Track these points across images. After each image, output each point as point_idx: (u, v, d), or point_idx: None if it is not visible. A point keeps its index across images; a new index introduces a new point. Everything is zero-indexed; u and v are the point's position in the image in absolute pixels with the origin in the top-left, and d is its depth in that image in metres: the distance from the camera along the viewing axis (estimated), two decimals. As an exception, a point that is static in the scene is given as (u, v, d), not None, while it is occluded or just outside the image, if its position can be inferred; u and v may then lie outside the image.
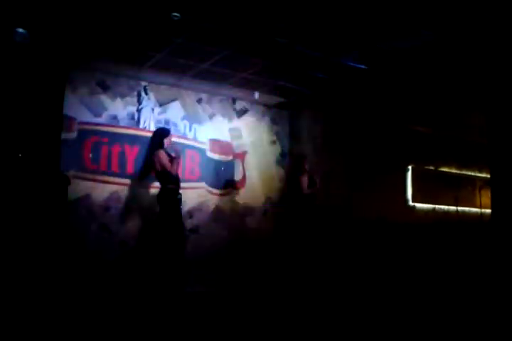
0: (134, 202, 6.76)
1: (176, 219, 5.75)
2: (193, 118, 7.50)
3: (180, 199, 5.85)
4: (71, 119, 6.38)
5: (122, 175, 6.72)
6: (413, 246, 7.02)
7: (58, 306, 3.92)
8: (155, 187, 6.48)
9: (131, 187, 6.75)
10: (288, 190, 7.84)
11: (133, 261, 6.27)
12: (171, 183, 5.75)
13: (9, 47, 5.44)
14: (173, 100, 7.34)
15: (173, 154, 5.89)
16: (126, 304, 4.22)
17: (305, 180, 6.89)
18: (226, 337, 3.37)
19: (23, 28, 5.31)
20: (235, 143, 7.93)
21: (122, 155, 6.76)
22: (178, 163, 5.85)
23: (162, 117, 7.20)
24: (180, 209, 5.88)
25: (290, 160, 8.40)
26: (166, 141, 5.98)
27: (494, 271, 5.57)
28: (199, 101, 7.62)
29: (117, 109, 6.84)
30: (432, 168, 10.01)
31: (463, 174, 10.43)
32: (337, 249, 6.87)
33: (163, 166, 5.73)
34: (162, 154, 5.81)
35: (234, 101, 7.97)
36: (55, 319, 3.54)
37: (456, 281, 5.79)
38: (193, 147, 7.42)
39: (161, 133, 6.05)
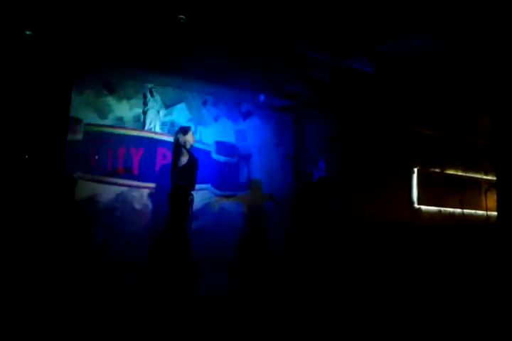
0: (139, 204, 6.78)
1: (183, 220, 5.74)
2: (198, 121, 7.53)
3: (191, 201, 5.82)
4: (77, 121, 6.42)
5: (128, 176, 6.74)
6: (419, 249, 7.00)
7: (62, 306, 3.93)
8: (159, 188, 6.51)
9: (137, 189, 6.78)
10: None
11: (139, 262, 6.28)
12: (184, 182, 5.69)
13: (16, 50, 5.48)
14: (178, 102, 7.37)
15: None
16: (131, 306, 4.22)
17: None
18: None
19: (30, 31, 5.36)
20: (240, 146, 7.95)
21: (128, 156, 6.79)
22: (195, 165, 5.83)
23: (168, 119, 7.23)
24: (189, 211, 5.84)
25: (295, 162, 8.42)
26: (188, 138, 5.90)
27: (500, 273, 5.54)
28: (204, 103, 7.64)
29: (123, 110, 6.87)
30: (437, 170, 9.98)
31: (468, 176, 10.39)
32: (342, 252, 6.86)
33: (180, 162, 5.66)
34: (182, 150, 5.75)
35: (239, 103, 7.98)
36: (59, 319, 3.55)
37: (462, 284, 5.76)
38: (198, 149, 7.43)
39: (179, 131, 5.97)
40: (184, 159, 5.72)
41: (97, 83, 6.69)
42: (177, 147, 5.81)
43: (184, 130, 6.00)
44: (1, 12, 4.94)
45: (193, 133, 6.03)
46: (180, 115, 7.37)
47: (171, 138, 7.09)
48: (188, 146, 5.88)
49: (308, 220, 6.91)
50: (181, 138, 5.85)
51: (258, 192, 8.00)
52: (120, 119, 6.83)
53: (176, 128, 7.01)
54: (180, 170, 5.71)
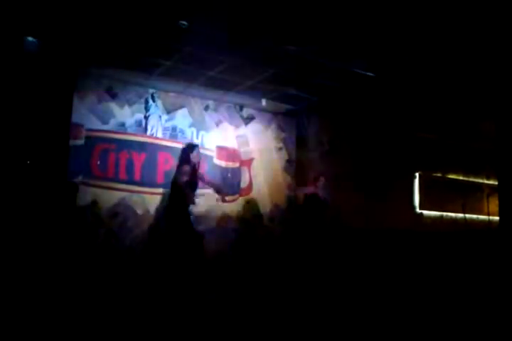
0: (141, 209, 6.78)
1: (186, 224, 5.75)
2: (200, 126, 7.53)
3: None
4: (79, 126, 6.42)
5: (130, 181, 6.75)
6: (420, 254, 6.98)
7: (65, 311, 3.93)
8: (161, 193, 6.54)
9: (139, 194, 6.79)
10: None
11: (139, 266, 6.27)
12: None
13: (18, 56, 5.50)
14: (180, 107, 7.38)
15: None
16: (133, 309, 4.22)
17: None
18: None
19: (32, 37, 5.38)
20: (241, 150, 7.94)
21: (130, 162, 6.79)
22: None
23: (169, 124, 7.24)
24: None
25: (297, 167, 8.41)
26: (192, 156, 5.90)
27: (503, 278, 5.52)
28: (206, 108, 7.65)
29: (125, 116, 6.88)
30: (439, 174, 9.97)
31: (470, 181, 10.38)
32: (343, 257, 6.84)
33: (184, 181, 5.70)
34: (185, 169, 5.78)
35: (241, 108, 7.99)
36: (62, 325, 3.55)
37: (465, 289, 5.74)
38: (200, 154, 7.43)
39: (186, 149, 6.00)
40: (184, 177, 5.69)
41: (99, 88, 6.70)
42: (180, 165, 5.78)
43: (185, 147, 6.05)
44: (3, 17, 4.96)
45: (192, 147, 6.07)
46: (182, 120, 7.37)
47: (172, 143, 7.13)
48: (190, 162, 5.85)
49: (305, 231, 6.93)
50: (183, 155, 5.84)
51: (260, 197, 7.99)
52: (122, 125, 6.84)
53: (178, 133, 7.06)
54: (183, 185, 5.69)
